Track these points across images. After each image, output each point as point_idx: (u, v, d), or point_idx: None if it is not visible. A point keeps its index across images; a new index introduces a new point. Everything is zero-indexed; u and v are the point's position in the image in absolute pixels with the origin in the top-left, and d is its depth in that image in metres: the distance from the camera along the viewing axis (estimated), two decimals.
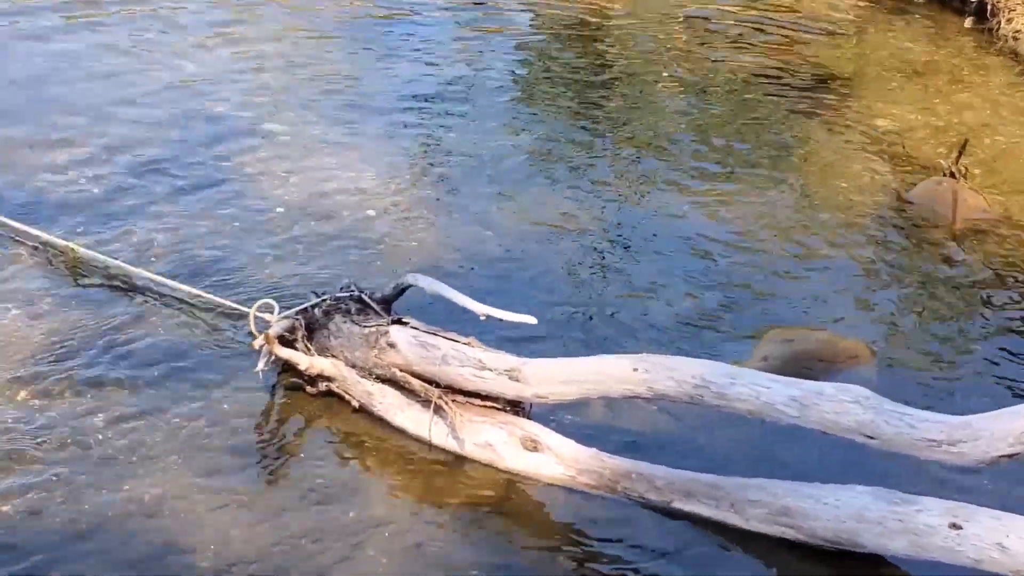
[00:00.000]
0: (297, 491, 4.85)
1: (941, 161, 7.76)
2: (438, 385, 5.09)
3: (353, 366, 5.33)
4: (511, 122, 8.54)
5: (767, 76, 9.61)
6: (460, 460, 5.04)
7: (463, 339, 5.16)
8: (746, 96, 9.23)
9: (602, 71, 9.63)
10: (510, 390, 4.97)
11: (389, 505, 4.82)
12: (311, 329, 5.54)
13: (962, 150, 7.64)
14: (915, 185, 7.70)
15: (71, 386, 5.30)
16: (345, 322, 5.44)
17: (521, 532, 4.75)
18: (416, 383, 5.13)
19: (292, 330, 5.53)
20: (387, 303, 5.63)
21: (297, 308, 5.58)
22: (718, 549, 4.65)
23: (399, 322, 5.32)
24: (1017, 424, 4.18)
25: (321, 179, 7.40)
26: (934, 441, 4.29)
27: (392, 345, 5.20)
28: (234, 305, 5.87)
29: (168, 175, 7.24)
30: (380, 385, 5.26)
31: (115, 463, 4.87)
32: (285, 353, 5.39)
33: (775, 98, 9.20)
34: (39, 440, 4.94)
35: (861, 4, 11.41)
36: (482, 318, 5.21)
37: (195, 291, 5.97)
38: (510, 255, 6.72)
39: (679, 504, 4.72)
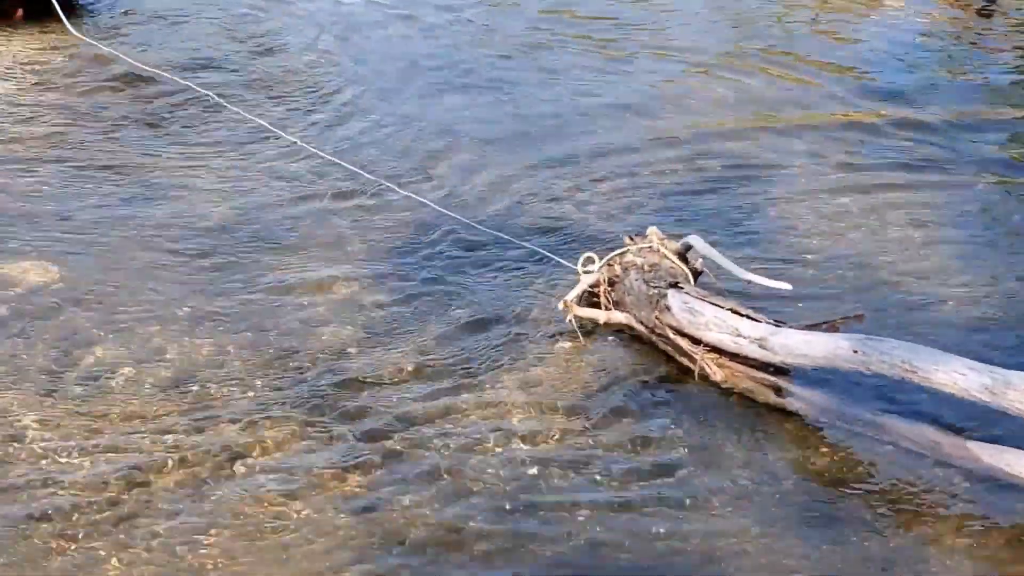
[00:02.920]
0: (853, 555, 4.91)
1: None
2: (701, 343, 6.01)
3: (641, 323, 6.33)
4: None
5: None
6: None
7: (727, 304, 6.01)
8: None
9: None
10: (759, 355, 5.81)
11: None
12: (612, 283, 6.57)
13: None
14: None
15: (610, 419, 5.75)
16: (637, 280, 6.40)
17: None
18: (684, 344, 6.05)
19: (596, 284, 6.60)
20: (680, 256, 6.56)
21: (599, 263, 6.59)
22: None
23: (675, 286, 6.23)
24: None
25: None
26: None
27: (668, 308, 6.13)
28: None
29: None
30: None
31: (662, 504, 5.22)
32: (584, 313, 6.46)
33: None
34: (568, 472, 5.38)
35: None
36: (745, 283, 6.14)
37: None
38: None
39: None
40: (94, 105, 9.40)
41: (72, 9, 10.70)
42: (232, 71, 10.27)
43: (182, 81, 9.72)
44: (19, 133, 8.87)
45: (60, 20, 10.24)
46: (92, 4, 11.47)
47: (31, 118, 9.12)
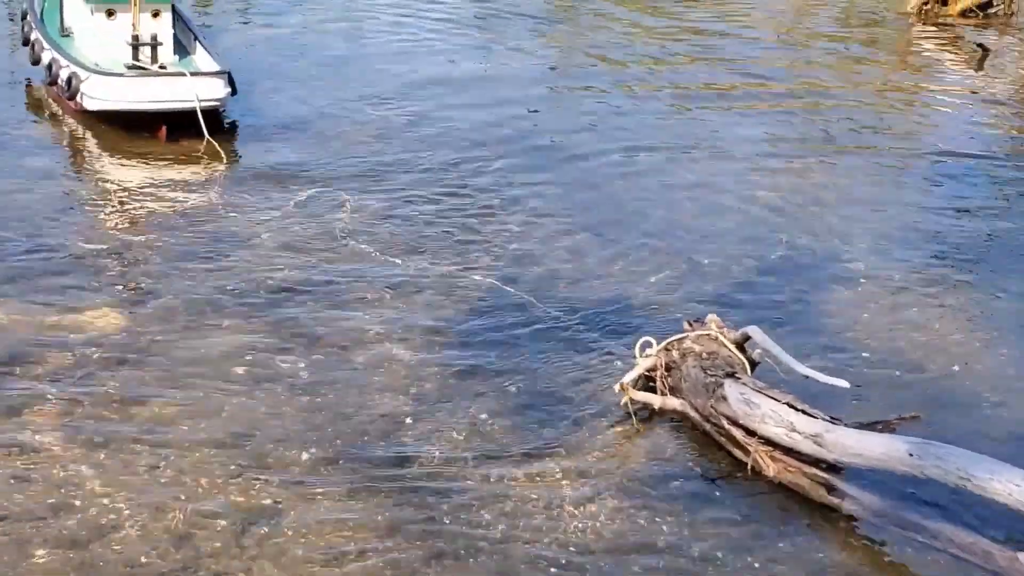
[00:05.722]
0: None
1: None
2: (755, 435, 5.99)
3: (696, 410, 6.32)
4: None
5: None
6: None
7: (783, 398, 5.99)
8: None
9: None
10: (813, 452, 5.77)
11: None
12: (669, 368, 6.57)
13: None
14: None
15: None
16: (695, 367, 6.39)
17: None
18: (739, 434, 6.03)
19: (653, 368, 6.61)
20: (738, 346, 6.56)
21: (657, 348, 6.61)
22: None
23: (732, 375, 6.22)
24: None
25: None
26: None
27: (724, 398, 6.12)
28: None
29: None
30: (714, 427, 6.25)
31: None
32: (640, 397, 6.47)
33: None
34: None
35: None
36: (803, 377, 6.13)
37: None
38: None
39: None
40: (206, 190, 9.56)
41: (218, 124, 10.58)
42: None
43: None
44: (128, 208, 9.07)
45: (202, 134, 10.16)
46: (243, 118, 11.31)
47: (148, 195, 9.35)
